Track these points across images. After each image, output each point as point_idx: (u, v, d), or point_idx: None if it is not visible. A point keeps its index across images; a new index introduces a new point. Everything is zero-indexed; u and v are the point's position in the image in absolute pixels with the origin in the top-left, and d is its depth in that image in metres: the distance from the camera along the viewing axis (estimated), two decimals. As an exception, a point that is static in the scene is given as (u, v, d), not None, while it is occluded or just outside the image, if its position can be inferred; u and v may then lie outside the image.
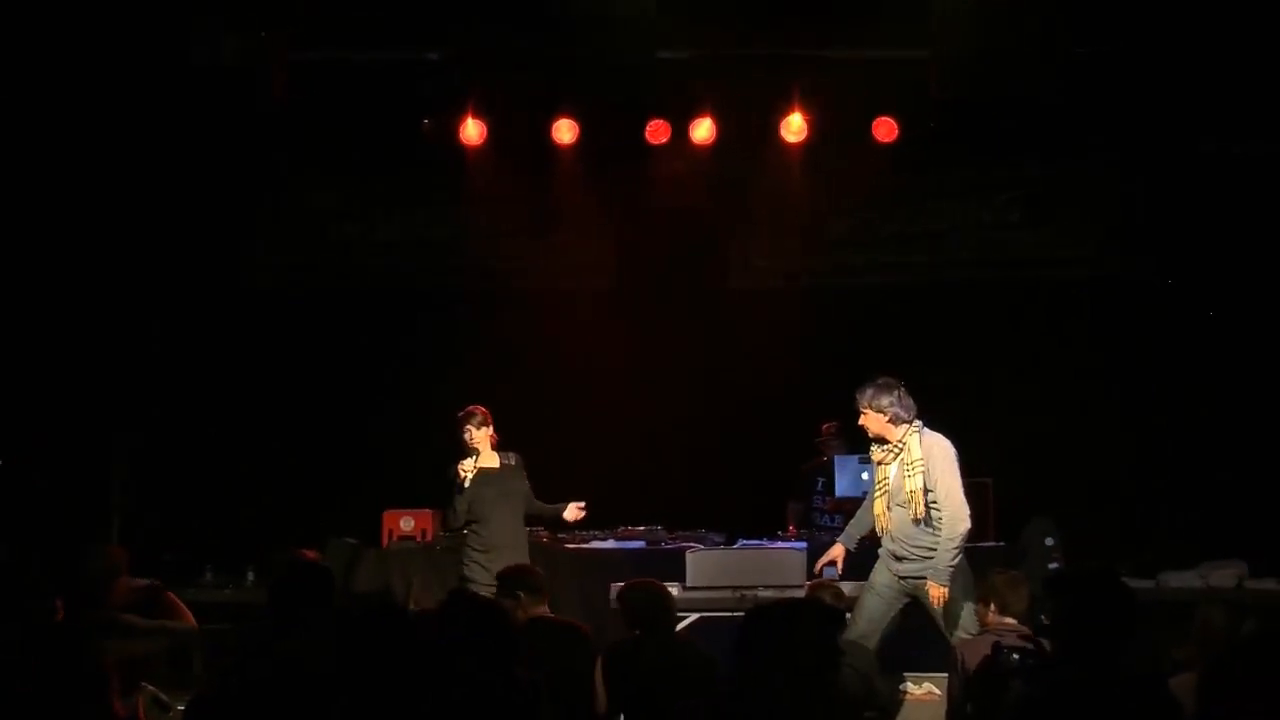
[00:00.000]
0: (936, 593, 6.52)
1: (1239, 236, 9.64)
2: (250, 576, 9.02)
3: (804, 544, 8.43)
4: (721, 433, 9.79)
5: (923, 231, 10.28)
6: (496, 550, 7.61)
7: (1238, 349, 9.64)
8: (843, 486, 9.08)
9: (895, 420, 6.70)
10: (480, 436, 7.84)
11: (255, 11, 8.10)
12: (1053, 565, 8.20)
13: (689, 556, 7.93)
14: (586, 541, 8.85)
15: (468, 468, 7.77)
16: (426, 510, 9.00)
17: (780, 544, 8.55)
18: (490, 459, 7.87)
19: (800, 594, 7.29)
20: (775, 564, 7.89)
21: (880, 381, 6.78)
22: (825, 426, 9.43)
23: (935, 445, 6.68)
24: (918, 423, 6.76)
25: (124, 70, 8.35)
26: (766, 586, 7.69)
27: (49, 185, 9.28)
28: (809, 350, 9.90)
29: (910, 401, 6.77)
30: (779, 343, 9.82)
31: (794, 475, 9.59)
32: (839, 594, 6.72)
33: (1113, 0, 8.45)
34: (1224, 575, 8.59)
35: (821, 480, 9.37)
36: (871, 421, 6.76)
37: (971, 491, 8.46)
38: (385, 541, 8.96)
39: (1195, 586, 8.44)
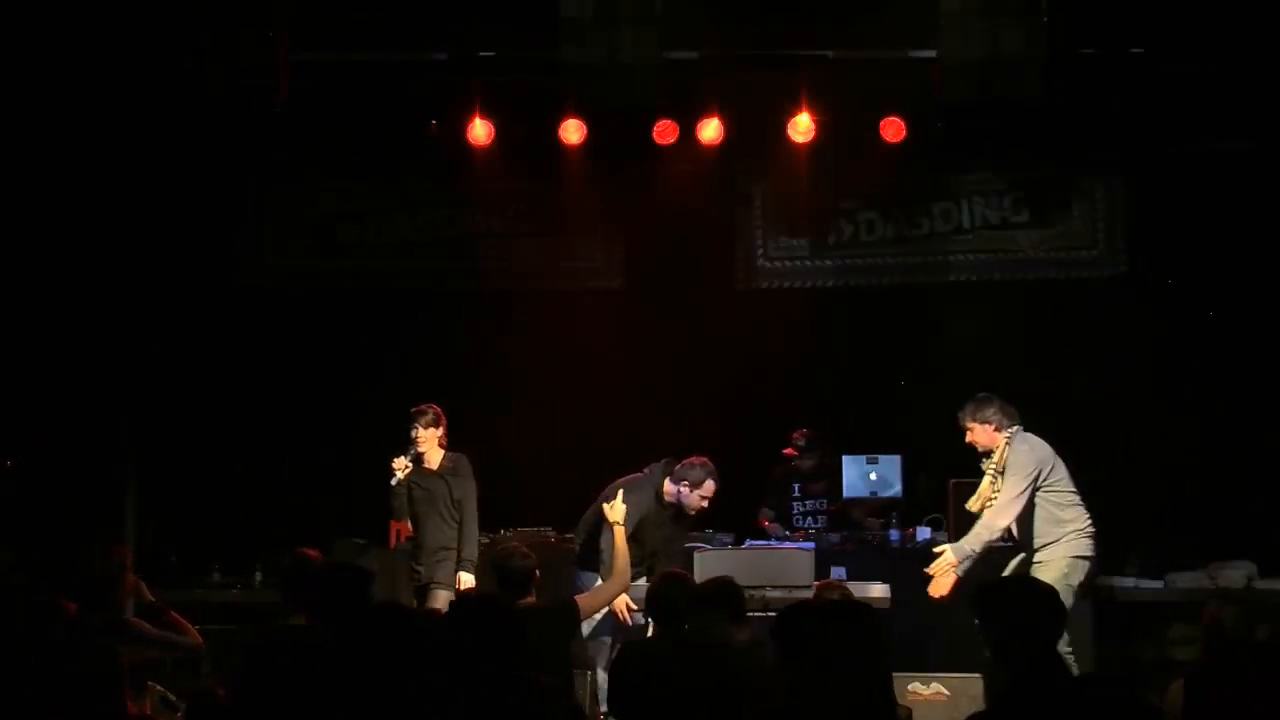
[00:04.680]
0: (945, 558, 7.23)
1: (1240, 236, 9.63)
2: (258, 576, 9.04)
3: (812, 544, 8.44)
4: (729, 433, 9.77)
5: (929, 232, 10.28)
6: (425, 554, 7.67)
7: (1242, 348, 9.63)
8: (850, 488, 9.09)
9: (1000, 428, 7.41)
10: (426, 436, 7.87)
11: (259, 12, 8.10)
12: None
13: (697, 556, 7.92)
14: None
15: (399, 465, 7.80)
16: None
17: (788, 544, 8.55)
18: (434, 460, 7.88)
19: (808, 594, 7.32)
20: (783, 564, 7.89)
21: (980, 396, 7.50)
22: (797, 433, 9.45)
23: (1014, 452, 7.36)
24: (1011, 429, 7.43)
25: (128, 71, 8.35)
26: (775, 586, 7.68)
27: (50, 192, 9.31)
28: (816, 351, 9.91)
29: (1010, 409, 7.49)
30: (786, 343, 9.82)
31: (767, 480, 9.60)
32: (847, 594, 6.69)
33: (1117, 1, 8.47)
34: (1233, 575, 8.57)
35: (797, 485, 9.40)
36: (979, 435, 7.46)
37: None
38: (393, 543, 8.97)
39: (1204, 587, 8.42)
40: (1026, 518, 7.34)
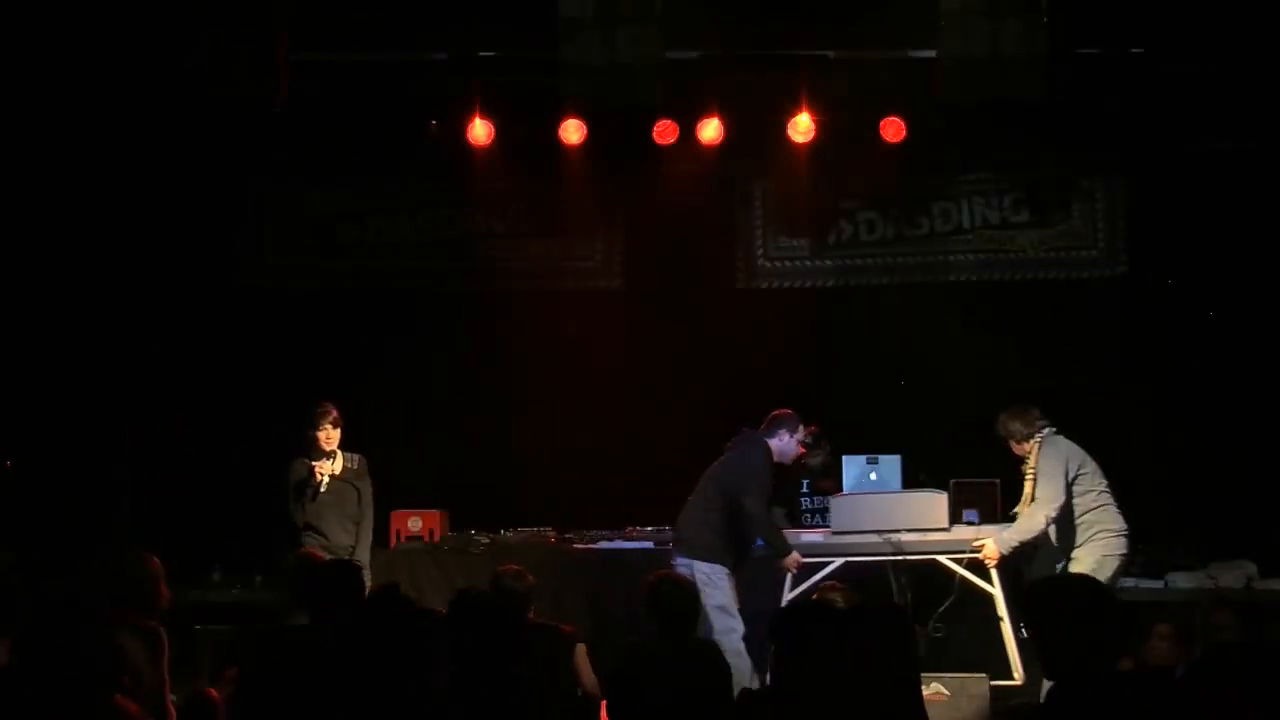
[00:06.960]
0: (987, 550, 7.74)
1: (1240, 236, 9.63)
2: (258, 577, 9.03)
3: (944, 492, 8.46)
4: (728, 433, 9.77)
5: (929, 232, 10.28)
6: (340, 556, 7.69)
7: (1242, 348, 9.64)
8: (850, 485, 9.09)
9: (1023, 439, 7.80)
10: (335, 437, 7.87)
11: (259, 11, 8.10)
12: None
13: (833, 501, 8.21)
14: (594, 542, 8.86)
15: (326, 469, 7.78)
16: (434, 511, 9.02)
17: (921, 490, 8.64)
18: (337, 463, 7.89)
19: (943, 536, 7.83)
20: (919, 507, 8.06)
21: (1011, 409, 7.90)
22: (806, 430, 9.45)
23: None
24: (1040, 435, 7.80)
25: (128, 71, 8.35)
26: (910, 530, 7.91)
27: (51, 192, 9.31)
28: (816, 351, 9.91)
29: (1030, 416, 7.85)
30: (786, 343, 9.82)
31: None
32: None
33: (1117, 1, 8.47)
34: (1233, 575, 8.57)
35: (806, 482, 9.41)
36: (1014, 447, 7.87)
37: (979, 491, 8.57)
38: (393, 542, 8.97)
39: (1204, 587, 8.42)
40: (1064, 520, 7.69)
